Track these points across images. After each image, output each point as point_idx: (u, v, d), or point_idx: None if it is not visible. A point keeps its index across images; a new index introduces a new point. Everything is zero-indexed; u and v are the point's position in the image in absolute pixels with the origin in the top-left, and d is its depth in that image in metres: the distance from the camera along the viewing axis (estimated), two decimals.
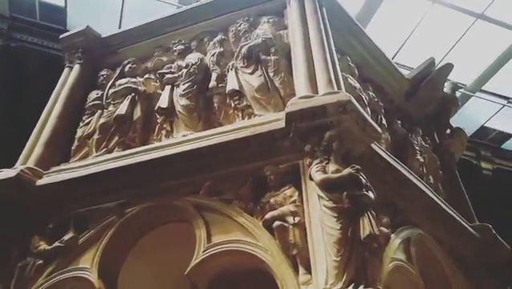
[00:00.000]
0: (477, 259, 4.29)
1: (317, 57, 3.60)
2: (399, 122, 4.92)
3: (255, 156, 3.20)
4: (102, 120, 4.11)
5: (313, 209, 2.73)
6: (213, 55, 4.25)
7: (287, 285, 2.60)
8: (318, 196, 2.69)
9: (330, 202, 2.61)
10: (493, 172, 11.70)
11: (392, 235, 3.23)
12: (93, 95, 4.50)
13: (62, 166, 3.82)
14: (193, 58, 4.28)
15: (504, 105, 11.95)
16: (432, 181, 4.66)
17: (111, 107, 4.23)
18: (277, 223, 2.81)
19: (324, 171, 2.76)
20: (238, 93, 3.80)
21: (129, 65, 4.61)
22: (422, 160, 4.57)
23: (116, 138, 3.98)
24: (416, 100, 5.45)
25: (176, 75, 4.20)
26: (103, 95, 4.43)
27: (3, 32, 8.62)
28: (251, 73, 3.87)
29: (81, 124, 4.26)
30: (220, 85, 4.01)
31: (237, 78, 3.90)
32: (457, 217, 4.24)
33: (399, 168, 3.60)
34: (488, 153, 12.03)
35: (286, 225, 2.79)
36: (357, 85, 4.19)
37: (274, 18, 4.30)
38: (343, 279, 2.36)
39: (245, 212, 3.03)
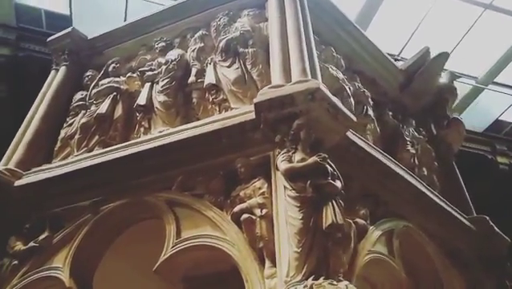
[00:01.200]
0: (474, 253, 4.11)
1: (293, 47, 3.51)
2: (390, 113, 4.78)
3: (226, 149, 3.12)
4: (83, 120, 4.10)
5: (280, 200, 2.64)
6: (193, 51, 4.21)
7: (252, 279, 2.51)
8: (284, 186, 2.59)
9: (293, 192, 2.51)
10: (510, 166, 11.34)
11: (372, 227, 3.11)
12: (78, 96, 4.51)
13: (43, 166, 3.81)
14: (173, 54, 4.24)
15: None
16: (425, 173, 4.50)
17: (93, 107, 4.22)
18: (244, 216, 2.73)
19: (290, 160, 2.67)
20: (215, 87, 3.74)
21: (113, 65, 4.59)
22: (414, 151, 4.42)
23: (97, 137, 3.96)
24: (411, 91, 5.29)
25: (156, 72, 4.17)
26: (87, 95, 4.43)
27: (11, 42, 8.75)
28: (228, 66, 3.81)
29: (64, 125, 4.26)
30: (199, 80, 3.95)
31: (215, 72, 3.84)
32: (451, 210, 4.07)
33: (381, 158, 3.47)
34: (504, 147, 11.67)
35: (253, 217, 2.71)
36: (340, 76, 4.07)
37: (255, 10, 4.23)
38: (303, 271, 2.25)
39: (215, 206, 2.96)
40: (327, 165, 2.62)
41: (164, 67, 4.12)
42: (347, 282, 2.25)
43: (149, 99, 3.99)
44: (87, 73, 4.68)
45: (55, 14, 9.66)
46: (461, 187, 4.78)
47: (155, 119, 3.86)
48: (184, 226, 2.97)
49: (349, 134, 3.27)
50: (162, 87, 3.98)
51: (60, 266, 3.10)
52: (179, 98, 3.96)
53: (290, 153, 2.71)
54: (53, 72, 4.79)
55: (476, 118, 11.82)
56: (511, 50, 10.64)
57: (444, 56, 5.49)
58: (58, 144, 4.13)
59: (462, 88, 11.19)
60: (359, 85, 4.36)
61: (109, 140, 3.94)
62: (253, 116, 3.05)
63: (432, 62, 5.40)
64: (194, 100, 3.91)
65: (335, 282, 2.18)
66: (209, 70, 3.90)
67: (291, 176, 2.58)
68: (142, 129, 3.86)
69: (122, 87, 4.31)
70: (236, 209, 2.81)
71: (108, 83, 4.37)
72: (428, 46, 5.61)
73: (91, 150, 3.88)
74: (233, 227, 2.78)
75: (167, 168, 3.24)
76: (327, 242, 2.34)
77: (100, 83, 4.44)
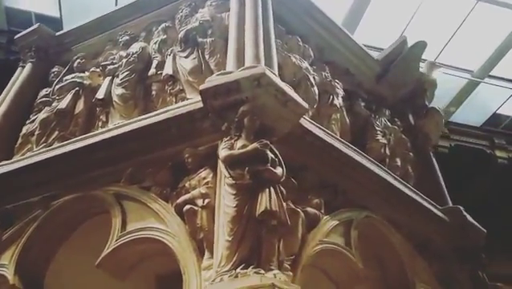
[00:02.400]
0: (448, 244, 3.98)
1: (248, 35, 3.41)
2: (362, 104, 4.66)
3: (176, 139, 3.03)
4: (43, 116, 4.03)
5: (222, 189, 2.53)
6: (155, 43, 4.14)
7: (189, 271, 2.41)
8: (224, 175, 2.49)
9: (230, 179, 2.41)
10: (509, 160, 11.14)
11: (326, 217, 2.99)
12: (43, 92, 4.43)
13: (1, 164, 3.74)
14: (134, 47, 4.17)
15: None
16: (399, 164, 4.38)
17: (55, 103, 4.15)
18: (187, 207, 2.64)
19: (231, 148, 2.56)
20: (173, 78, 3.68)
21: (78, 60, 4.53)
22: (385, 141, 4.30)
23: (56, 133, 3.89)
24: (388, 82, 5.18)
25: (116, 65, 4.09)
26: (50, 91, 4.36)
27: (2, 46, 8.74)
28: (186, 56, 3.73)
29: (27, 122, 4.19)
30: (159, 72, 3.87)
31: (174, 63, 3.78)
32: (422, 201, 3.94)
33: (340, 147, 3.35)
34: (502, 141, 11.48)
35: (195, 208, 2.61)
36: (304, 65, 3.97)
37: (218, 1, 4.14)
38: (233, 260, 2.15)
39: (161, 198, 2.87)
40: (268, 152, 2.51)
41: (124, 60, 4.05)
42: (276, 271, 2.15)
43: (108, 92, 3.91)
44: (53, 69, 4.62)
45: (45, 16, 9.62)
46: (437, 178, 4.64)
47: (112, 112, 3.78)
48: (130, 219, 2.88)
49: (305, 123, 3.16)
50: (121, 80, 3.90)
51: (6, 263, 3.02)
52: (138, 91, 3.88)
53: (233, 141, 2.61)
54: (19, 69, 4.72)
55: (473, 112, 11.64)
56: (506, 43, 10.43)
57: (421, 45, 5.36)
58: (20, 140, 4.05)
59: (458, 82, 11.06)
60: (327, 74, 4.25)
61: (69, 136, 3.85)
62: (201, 104, 2.95)
63: (409, 51, 5.27)
64: (153, 93, 3.83)
65: (262, 271, 2.08)
66: (168, 61, 3.82)
67: (230, 163, 2.49)
68: (100, 123, 3.79)
69: (85, 82, 4.24)
70: (179, 200, 2.72)
71: (72, 78, 4.30)
72: (405, 36, 5.50)
73: (50, 146, 3.80)
74: (175, 219, 2.69)
75: (117, 161, 3.15)
76: (260, 230, 2.24)
77: (64, 78, 4.38)
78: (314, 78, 4.01)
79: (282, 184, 2.73)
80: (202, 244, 2.51)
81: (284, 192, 2.48)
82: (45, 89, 4.47)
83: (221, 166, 2.57)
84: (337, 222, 3.04)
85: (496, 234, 10.81)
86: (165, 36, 4.17)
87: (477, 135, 11.51)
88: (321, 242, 2.82)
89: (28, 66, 4.69)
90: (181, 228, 2.61)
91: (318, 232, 2.84)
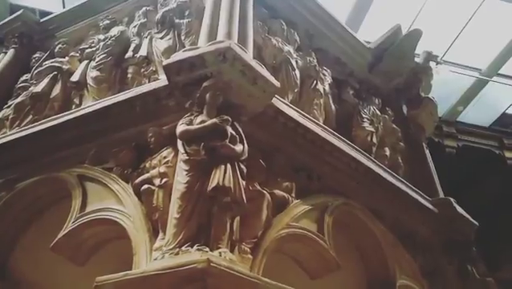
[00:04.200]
0: (437, 236, 3.78)
1: (223, 13, 3.28)
2: (351, 92, 4.49)
3: (140, 119, 2.91)
4: (18, 100, 3.94)
5: (177, 166, 2.39)
6: (134, 27, 4.03)
7: (139, 251, 2.27)
8: (180, 151, 2.35)
9: (184, 155, 2.27)
10: None
11: (297, 201, 2.83)
12: (23, 78, 4.35)
13: None
14: (113, 30, 4.07)
15: None
16: (387, 153, 4.20)
17: (32, 88, 4.06)
18: (144, 187, 2.51)
19: (190, 124, 2.42)
20: (147, 59, 3.57)
21: (59, 45, 4.43)
22: (372, 129, 4.12)
23: (30, 117, 3.79)
24: (381, 71, 4.99)
25: (94, 48, 4.00)
26: (30, 76, 4.28)
27: None
28: (162, 38, 3.64)
29: (4, 107, 4.11)
30: (135, 55, 3.76)
31: (150, 45, 3.68)
32: (408, 190, 3.75)
33: (316, 130, 3.18)
34: None
35: (152, 188, 2.48)
36: (285, 48, 3.82)
37: None
38: (179, 238, 2.01)
39: (122, 178, 2.74)
40: (229, 128, 2.36)
41: (102, 44, 3.95)
42: (224, 250, 2.00)
43: (83, 75, 3.82)
44: (35, 55, 4.53)
45: (50, 13, 9.62)
46: (428, 169, 4.44)
47: (86, 95, 3.68)
48: (90, 201, 2.76)
49: (278, 103, 3.01)
50: (97, 62, 3.81)
51: None
52: (114, 74, 3.77)
53: (193, 117, 2.47)
54: (1, 56, 4.65)
55: (482, 112, 11.33)
56: None
57: (416, 33, 5.17)
58: None
59: (466, 81, 10.78)
60: (312, 59, 4.08)
61: (43, 120, 3.76)
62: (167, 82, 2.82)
63: (403, 40, 5.09)
64: (129, 76, 3.70)
65: (206, 249, 1.93)
66: (145, 43, 3.73)
67: (187, 139, 2.35)
68: (74, 106, 3.68)
69: (64, 66, 4.15)
70: (137, 180, 2.60)
71: (51, 62, 4.22)
72: (399, 24, 5.29)
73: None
74: (133, 199, 2.56)
75: (81, 142, 3.05)
76: (211, 207, 2.09)
77: (44, 63, 4.29)
78: (296, 62, 3.86)
79: (250, 164, 2.60)
80: (157, 224, 2.36)
81: (244, 170, 2.33)
82: (26, 75, 4.39)
83: (178, 143, 2.43)
84: (310, 207, 2.87)
85: (505, 235, 10.52)
86: (145, 20, 4.06)
87: (486, 135, 11.21)
88: (289, 226, 2.65)
89: (10, 52, 4.61)
90: (138, 208, 2.48)
91: (286, 215, 2.68)
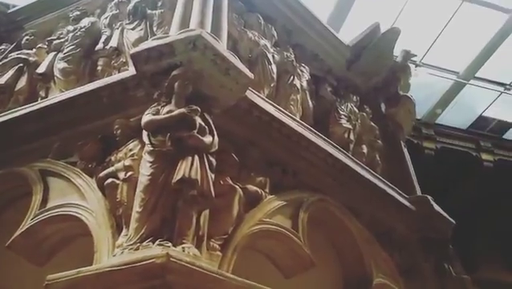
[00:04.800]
0: (414, 234, 3.73)
1: (196, 3, 3.16)
2: (329, 89, 4.42)
3: (107, 110, 2.77)
4: None
5: (142, 159, 2.26)
6: (106, 18, 3.90)
7: (101, 248, 2.13)
8: (145, 142, 2.22)
9: (149, 146, 2.14)
10: (494, 163, 10.96)
11: (271, 196, 2.73)
12: None
13: None
14: (84, 22, 3.91)
15: (501, 92, 11.18)
16: (364, 151, 4.14)
17: None
18: (108, 181, 2.37)
19: (157, 114, 2.30)
20: (117, 51, 3.43)
21: (27, 37, 4.25)
22: (349, 126, 4.05)
23: None
24: (359, 68, 4.94)
25: (62, 40, 3.83)
26: None
27: None
28: (133, 29, 3.53)
29: None
30: (106, 46, 3.62)
31: (121, 36, 3.55)
32: (385, 187, 3.69)
33: (291, 124, 3.09)
34: (488, 144, 11.30)
35: (117, 182, 2.34)
36: (262, 42, 3.73)
37: None
38: (141, 233, 1.88)
39: (86, 173, 2.59)
40: (197, 118, 2.25)
41: (71, 35, 3.80)
42: (188, 245, 1.88)
43: (50, 67, 3.65)
44: (1, 47, 4.34)
45: None
46: (406, 167, 4.41)
47: (53, 88, 3.52)
48: (52, 196, 2.60)
49: (252, 96, 2.91)
50: (65, 54, 3.66)
51: None
52: (83, 66, 3.63)
53: (160, 107, 2.34)
54: None
55: (459, 114, 11.46)
56: (491, 44, 10.23)
57: (394, 32, 5.15)
58: None
59: (444, 84, 10.88)
60: (289, 54, 4.00)
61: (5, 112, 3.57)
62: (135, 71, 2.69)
63: (381, 38, 5.05)
64: (99, 68, 3.56)
65: (168, 244, 1.80)
66: (115, 34, 3.60)
67: (153, 129, 2.22)
68: (39, 99, 3.50)
69: (31, 58, 3.97)
70: (101, 174, 2.45)
71: (17, 54, 4.03)
72: (378, 22, 5.26)
73: None
74: (96, 194, 2.41)
75: (45, 135, 2.89)
76: (176, 201, 1.97)
77: (9, 55, 4.10)
78: (273, 56, 3.77)
79: (221, 158, 2.49)
80: (121, 220, 2.23)
81: (214, 163, 2.22)
82: None
83: (143, 134, 2.30)
84: (284, 203, 2.77)
85: (482, 236, 10.62)
86: (118, 11, 3.92)
87: (463, 137, 11.33)
88: (262, 222, 2.55)
89: None
90: (101, 204, 2.34)
91: (259, 211, 2.57)
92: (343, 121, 4.03)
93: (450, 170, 10.55)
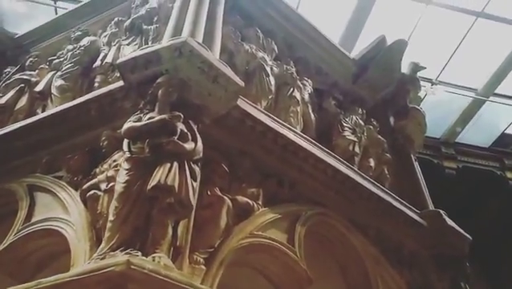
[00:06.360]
0: (425, 251, 3.50)
1: (189, 15, 3.13)
2: (333, 102, 4.30)
3: (95, 122, 2.72)
4: None
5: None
6: (105, 36, 3.92)
7: (77, 262, 2.02)
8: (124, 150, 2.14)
9: (127, 153, 2.05)
10: None
11: (264, 209, 2.59)
12: None
13: None
14: (83, 41, 3.93)
15: None
16: (371, 164, 3.97)
17: None
18: (90, 193, 2.28)
19: (138, 121, 2.22)
20: (112, 66, 3.40)
21: (30, 59, 4.30)
22: (354, 138, 3.90)
23: None
24: (366, 81, 4.82)
25: (62, 59, 3.86)
26: None
27: None
28: (128, 44, 3.51)
29: None
30: (102, 64, 3.61)
31: (118, 52, 3.55)
32: (393, 201, 3.49)
33: (288, 134, 2.97)
34: None
35: (98, 193, 2.25)
36: (259, 54, 3.66)
37: None
38: (112, 242, 1.76)
39: (71, 186, 2.51)
40: (179, 124, 2.15)
41: (69, 54, 3.82)
42: (161, 255, 1.75)
43: (48, 85, 3.66)
44: (6, 69, 4.40)
45: None
46: (417, 181, 4.20)
47: (49, 105, 3.51)
48: (37, 211, 2.52)
49: (244, 105, 2.82)
50: (63, 71, 3.66)
51: None
52: (80, 83, 3.61)
53: (142, 115, 2.26)
54: None
55: (480, 133, 11.13)
56: (509, 59, 9.99)
57: (401, 44, 5.02)
58: None
59: (462, 101, 10.62)
60: (288, 67, 3.92)
61: None
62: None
63: (387, 50, 4.93)
64: (96, 84, 3.54)
65: (137, 253, 1.68)
66: (112, 50, 3.60)
67: (133, 137, 2.13)
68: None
69: (33, 79, 4.00)
70: (85, 186, 2.37)
71: (20, 75, 4.07)
72: (383, 35, 5.15)
73: None
74: (79, 207, 2.32)
75: (34, 150, 2.84)
76: (151, 209, 1.85)
77: (13, 76, 4.15)
78: (271, 68, 3.69)
79: (211, 169, 2.39)
80: (101, 232, 2.12)
81: (197, 171, 2.11)
82: None
83: (124, 142, 2.21)
84: (278, 216, 2.62)
85: (508, 257, 10.13)
86: (117, 29, 3.94)
87: (486, 156, 10.99)
88: (252, 235, 2.40)
89: None
90: (82, 216, 2.25)
91: (250, 224, 2.43)
92: (347, 133, 3.88)
93: (473, 190, 10.18)
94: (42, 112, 3.51)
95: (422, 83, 10.46)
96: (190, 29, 2.91)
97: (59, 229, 2.29)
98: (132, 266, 1.57)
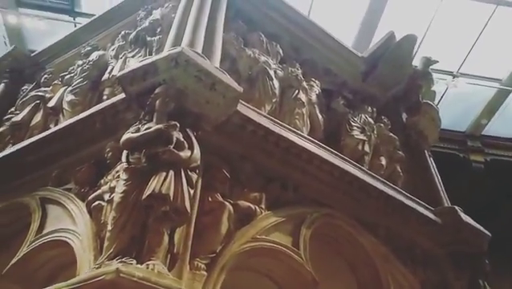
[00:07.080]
0: (440, 249, 3.43)
1: (189, 23, 3.18)
2: (342, 102, 4.27)
3: (100, 135, 2.79)
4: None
5: None
6: (113, 50, 4.02)
7: (82, 271, 2.07)
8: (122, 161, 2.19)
9: (125, 164, 2.10)
10: None
11: (267, 212, 2.60)
12: (11, 110, 4.37)
13: None
14: (92, 55, 4.05)
15: None
16: (383, 162, 3.93)
17: (15, 118, 4.05)
18: (95, 203, 2.35)
19: (136, 132, 2.27)
20: (117, 79, 3.46)
21: (45, 76, 4.45)
22: (363, 137, 3.87)
23: (10, 146, 3.74)
24: (375, 79, 4.78)
25: (73, 74, 3.98)
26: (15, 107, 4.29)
27: None
28: (133, 56, 3.58)
29: None
30: (110, 77, 3.70)
31: (124, 64, 3.61)
32: (404, 199, 3.44)
33: (290, 137, 2.97)
34: None
35: (102, 203, 2.32)
36: (262, 58, 3.68)
37: (174, 2, 3.97)
38: (110, 252, 1.81)
39: (78, 197, 2.60)
40: (175, 133, 2.19)
41: (79, 68, 3.93)
42: (156, 262, 1.78)
43: (60, 101, 3.78)
44: (24, 87, 4.57)
45: None
46: (432, 177, 4.12)
47: (61, 120, 3.61)
48: (48, 223, 2.61)
49: (244, 110, 2.84)
50: (73, 86, 3.77)
51: None
52: (89, 97, 3.72)
53: (140, 125, 2.32)
54: None
55: (507, 123, 10.81)
56: None
57: (410, 39, 4.94)
58: None
59: (487, 93, 10.35)
60: (294, 70, 3.91)
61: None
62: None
63: (396, 46, 4.86)
64: (104, 97, 3.63)
65: (131, 261, 1.72)
66: (118, 63, 3.68)
67: (131, 147, 2.19)
68: None
69: (47, 95, 4.14)
70: (90, 197, 2.44)
71: (35, 92, 4.23)
72: (392, 31, 5.09)
73: None
74: (85, 218, 2.40)
75: (45, 164, 2.94)
76: (147, 218, 1.90)
77: (29, 93, 4.31)
78: (275, 72, 3.71)
79: (211, 175, 2.42)
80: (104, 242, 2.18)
81: (194, 178, 2.14)
82: (14, 107, 4.41)
83: (122, 153, 2.27)
84: (282, 219, 2.63)
85: None
86: (124, 42, 4.03)
87: None
88: (255, 239, 2.42)
89: (0, 86, 4.67)
90: (88, 227, 2.32)
91: (253, 228, 2.45)
92: (356, 133, 3.85)
93: (503, 182, 9.88)
94: (55, 126, 3.64)
95: (443, 76, 10.27)
96: (190, 38, 2.96)
97: (67, 240, 2.37)
98: (122, 275, 1.61)
